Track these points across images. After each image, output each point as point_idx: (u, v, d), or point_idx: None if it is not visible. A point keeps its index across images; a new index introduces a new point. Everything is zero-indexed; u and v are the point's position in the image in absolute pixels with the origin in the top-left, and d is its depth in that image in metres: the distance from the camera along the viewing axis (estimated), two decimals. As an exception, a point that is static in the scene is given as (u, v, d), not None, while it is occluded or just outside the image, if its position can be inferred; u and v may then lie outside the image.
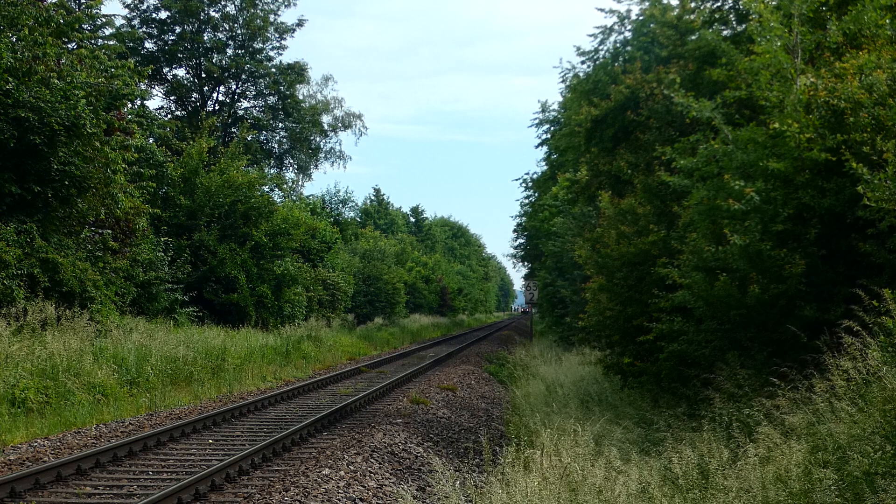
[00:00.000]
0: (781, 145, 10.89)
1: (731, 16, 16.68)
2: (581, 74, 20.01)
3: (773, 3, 12.69)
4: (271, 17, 46.07)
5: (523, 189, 52.70)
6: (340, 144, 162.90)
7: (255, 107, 48.90)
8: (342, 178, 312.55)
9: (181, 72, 46.12)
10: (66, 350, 16.75)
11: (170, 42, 44.44)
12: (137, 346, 19.50)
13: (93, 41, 28.55)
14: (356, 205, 74.01)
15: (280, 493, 9.62)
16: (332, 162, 56.98)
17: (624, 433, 11.22)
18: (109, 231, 23.43)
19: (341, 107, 53.46)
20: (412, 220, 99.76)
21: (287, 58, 59.14)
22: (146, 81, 39.60)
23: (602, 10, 18.38)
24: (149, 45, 44.24)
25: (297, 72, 47.54)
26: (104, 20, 31.60)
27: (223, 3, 44.91)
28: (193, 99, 46.57)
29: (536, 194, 48.46)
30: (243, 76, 46.86)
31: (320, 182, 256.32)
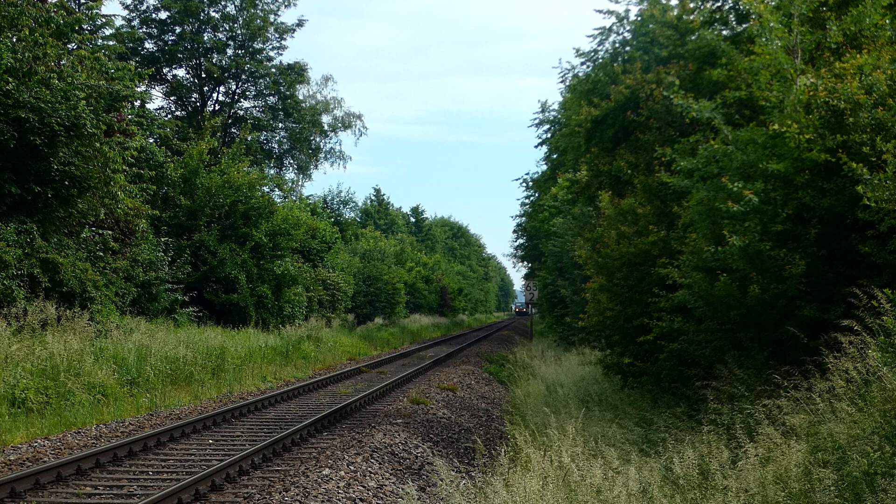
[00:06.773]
0: (781, 146, 10.89)
1: (731, 16, 16.68)
2: (581, 75, 20.02)
3: (773, 3, 12.70)
4: (271, 18, 46.08)
5: (523, 189, 52.85)
6: (340, 144, 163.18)
7: (255, 107, 48.92)
8: (344, 178, 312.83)
9: (181, 72, 46.17)
10: (67, 350, 16.74)
11: (170, 42, 44.42)
12: (137, 347, 19.49)
13: (92, 42, 28.54)
14: (357, 205, 74.12)
15: (280, 494, 9.62)
16: (332, 162, 57.25)
17: (624, 433, 11.22)
18: (109, 231, 23.42)
19: (341, 107, 53.57)
20: (412, 220, 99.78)
21: (294, 58, 59.22)
22: (146, 83, 39.55)
23: (600, 11, 18.40)
24: (149, 45, 44.24)
25: (297, 72, 47.55)
26: (104, 20, 31.60)
27: (223, 3, 44.90)
28: (193, 99, 46.57)
29: (536, 194, 48.51)
30: (243, 76, 46.85)
31: (321, 182, 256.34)
